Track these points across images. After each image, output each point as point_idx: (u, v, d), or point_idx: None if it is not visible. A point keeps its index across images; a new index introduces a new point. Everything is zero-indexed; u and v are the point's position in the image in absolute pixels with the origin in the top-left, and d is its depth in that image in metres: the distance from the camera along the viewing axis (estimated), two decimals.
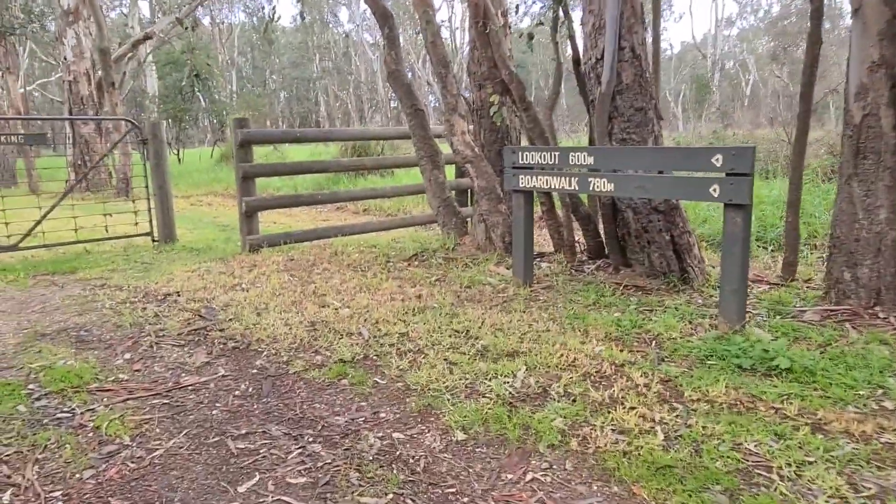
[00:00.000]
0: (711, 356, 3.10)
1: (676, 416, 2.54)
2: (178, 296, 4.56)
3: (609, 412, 2.58)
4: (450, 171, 7.13)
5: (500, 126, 5.59)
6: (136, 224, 6.91)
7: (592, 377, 2.95)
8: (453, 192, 6.65)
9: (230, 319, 3.97)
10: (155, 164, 6.72)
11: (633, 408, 2.60)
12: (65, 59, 12.66)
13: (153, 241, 6.89)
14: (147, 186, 6.85)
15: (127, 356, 3.45)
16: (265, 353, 3.45)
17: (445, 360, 3.23)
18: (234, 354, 3.46)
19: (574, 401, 2.71)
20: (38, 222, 6.18)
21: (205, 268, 5.45)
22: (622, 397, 2.71)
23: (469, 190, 7.87)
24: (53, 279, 5.31)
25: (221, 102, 26.45)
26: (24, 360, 3.38)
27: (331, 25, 48.67)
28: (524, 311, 3.99)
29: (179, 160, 22.41)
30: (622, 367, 3.03)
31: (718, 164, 3.36)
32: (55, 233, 6.60)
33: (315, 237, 6.63)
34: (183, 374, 3.20)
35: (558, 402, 2.70)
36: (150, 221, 6.90)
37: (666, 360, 3.13)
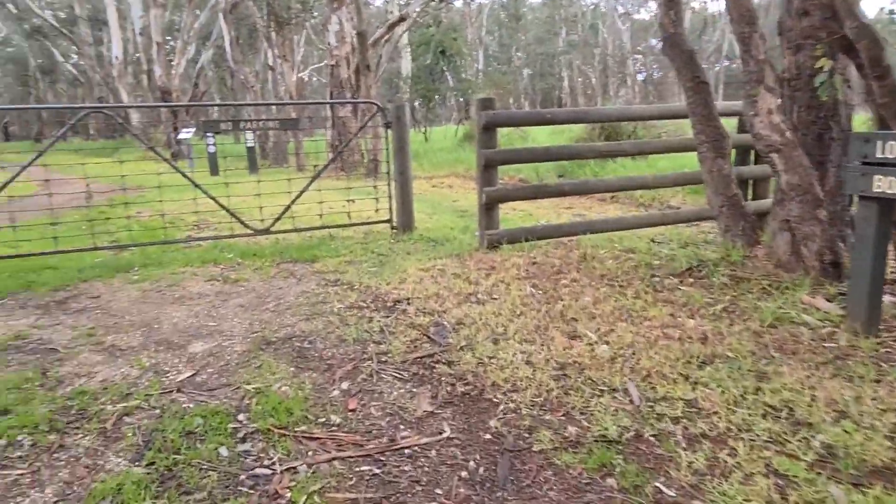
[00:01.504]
0: None
1: None
2: (408, 304, 4.02)
3: None
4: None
5: (824, 102, 4.08)
6: (377, 211, 6.70)
7: None
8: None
9: (462, 347, 3.27)
10: (397, 147, 6.40)
11: None
12: (329, 44, 13.46)
13: (391, 228, 6.62)
14: (388, 172, 6.58)
15: (344, 385, 2.93)
16: (501, 407, 2.66)
17: (766, 465, 2.11)
18: (464, 404, 2.72)
19: None
20: (288, 207, 6.24)
21: (439, 266, 4.90)
22: None
23: (750, 181, 6.30)
24: (294, 269, 5.19)
25: (467, 81, 26.83)
26: (243, 376, 3.04)
27: None
28: (876, 381, 2.65)
29: (426, 138, 23.21)
30: None
31: None
32: (304, 217, 6.66)
33: (560, 234, 5.74)
34: (401, 427, 2.55)
35: None
36: (390, 208, 6.64)
37: None
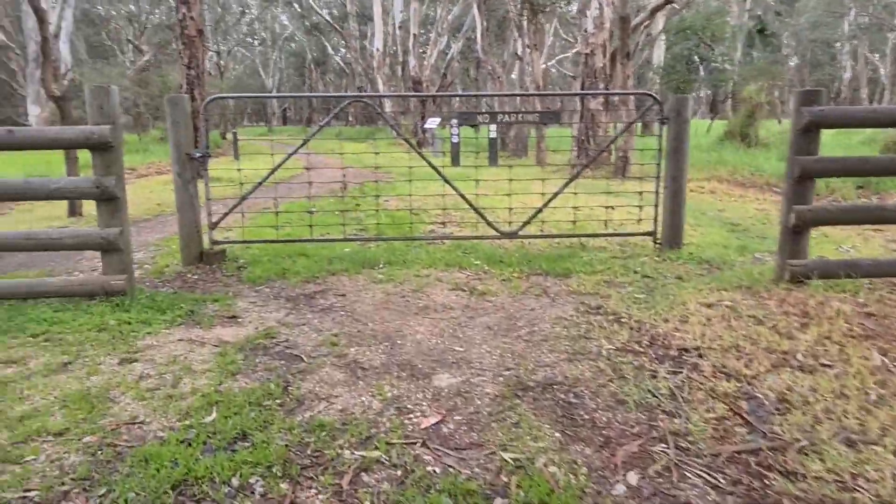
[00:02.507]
0: None
1: None
2: (699, 356, 3.10)
3: None
4: None
5: None
6: (640, 221, 5.76)
7: None
8: None
9: (801, 448, 2.28)
10: (674, 147, 5.38)
11: None
12: (584, 30, 12.59)
13: (654, 242, 5.64)
14: (658, 176, 5.59)
15: (632, 479, 2.15)
16: None
17: None
18: None
19: None
20: (540, 210, 5.61)
21: (727, 302, 3.85)
22: None
23: None
24: (545, 284, 4.53)
25: (724, 71, 23.97)
26: (498, 434, 2.42)
27: None
28: None
29: None
30: None
31: None
32: (552, 220, 5.98)
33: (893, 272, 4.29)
34: None
35: None
36: (655, 219, 5.65)
37: None
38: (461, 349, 3.31)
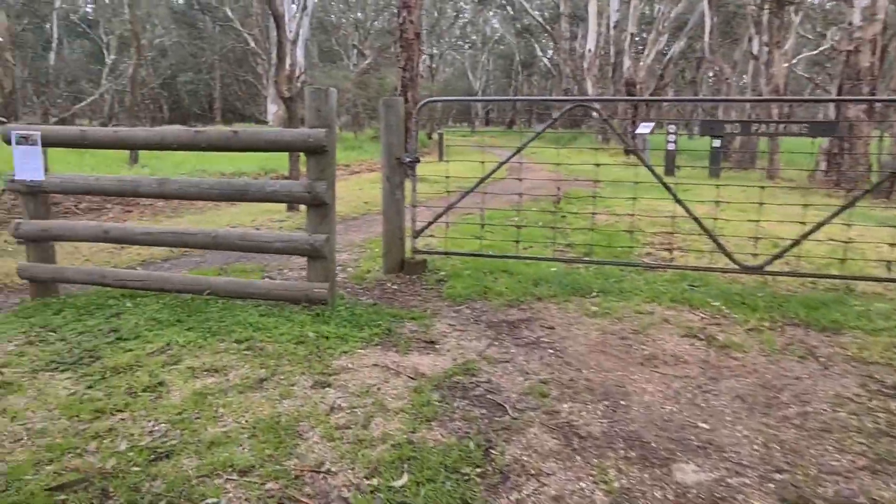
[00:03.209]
0: None
1: None
2: None
3: None
4: None
5: None
6: None
7: None
8: None
9: None
10: None
11: None
12: (849, 24, 10.56)
13: None
14: None
15: None
16: None
17: None
18: None
19: None
20: (797, 242, 4.53)
21: None
22: None
23: None
24: (808, 340, 3.56)
25: None
26: None
27: None
28: None
29: None
30: None
31: None
32: (806, 256, 4.86)
33: None
34: None
35: None
36: None
37: None
38: (706, 426, 2.58)
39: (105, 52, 42.06)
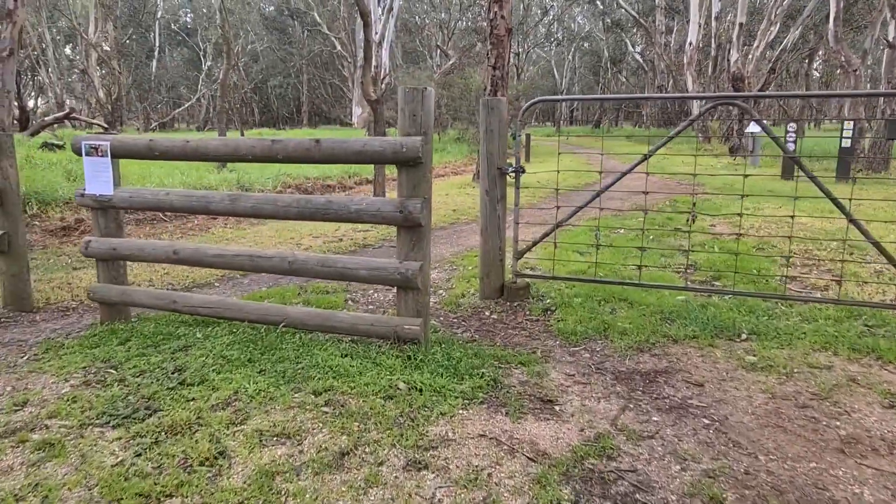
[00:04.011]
0: None
1: None
2: None
3: None
4: None
5: None
6: None
7: None
8: None
9: None
10: None
11: None
12: None
13: None
14: None
15: None
16: None
17: None
18: None
19: None
20: None
21: None
22: None
23: None
24: None
25: None
26: None
27: None
28: None
29: None
30: None
31: None
32: None
33: None
34: None
35: None
36: None
37: None
38: None
39: (202, 58, 43.95)
